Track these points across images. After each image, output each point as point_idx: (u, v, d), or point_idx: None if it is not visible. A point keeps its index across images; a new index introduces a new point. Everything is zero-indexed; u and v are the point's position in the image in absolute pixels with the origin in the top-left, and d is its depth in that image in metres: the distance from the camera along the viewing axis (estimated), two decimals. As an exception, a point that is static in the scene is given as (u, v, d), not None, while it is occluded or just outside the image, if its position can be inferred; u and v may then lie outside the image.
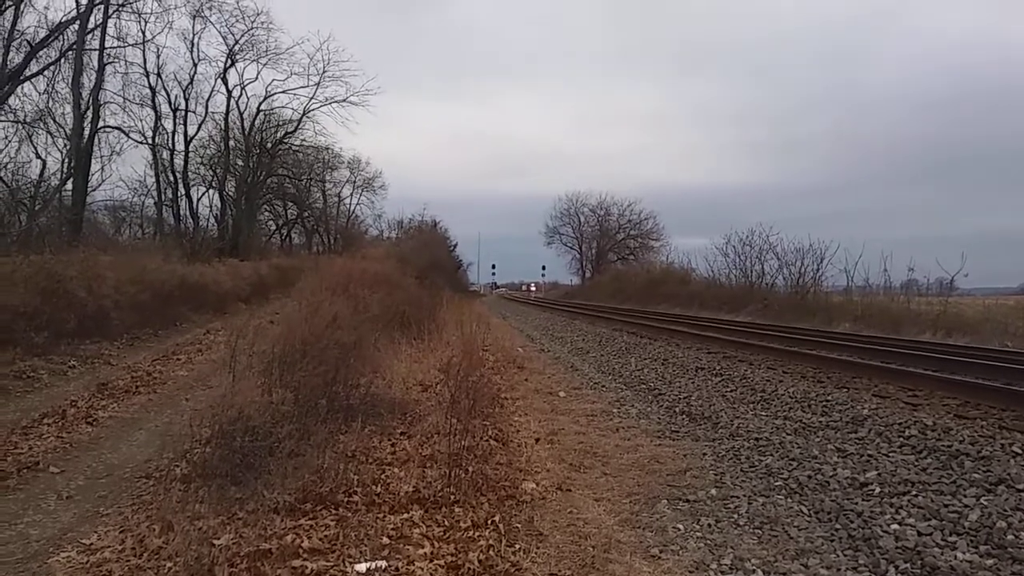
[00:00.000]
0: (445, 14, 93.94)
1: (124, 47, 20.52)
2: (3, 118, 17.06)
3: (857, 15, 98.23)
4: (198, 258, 18.73)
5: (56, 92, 18.43)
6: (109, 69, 19.81)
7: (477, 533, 3.52)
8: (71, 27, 17.85)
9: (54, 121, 18.85)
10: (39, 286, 9.42)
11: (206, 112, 26.26)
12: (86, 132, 18.57)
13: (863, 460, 4.68)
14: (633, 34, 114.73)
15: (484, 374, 7.64)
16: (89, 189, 19.00)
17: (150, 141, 23.47)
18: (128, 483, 4.45)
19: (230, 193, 28.92)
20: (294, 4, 54.02)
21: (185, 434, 4.50)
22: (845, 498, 4.09)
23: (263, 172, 29.96)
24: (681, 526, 3.84)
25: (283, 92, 28.50)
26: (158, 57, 23.32)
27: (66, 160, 18.79)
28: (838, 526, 3.77)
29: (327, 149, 33.34)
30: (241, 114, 28.24)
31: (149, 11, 21.10)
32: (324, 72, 28.00)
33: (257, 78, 27.75)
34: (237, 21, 24.90)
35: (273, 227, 37.07)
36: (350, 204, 42.00)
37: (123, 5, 19.55)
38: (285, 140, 30.37)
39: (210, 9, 23.76)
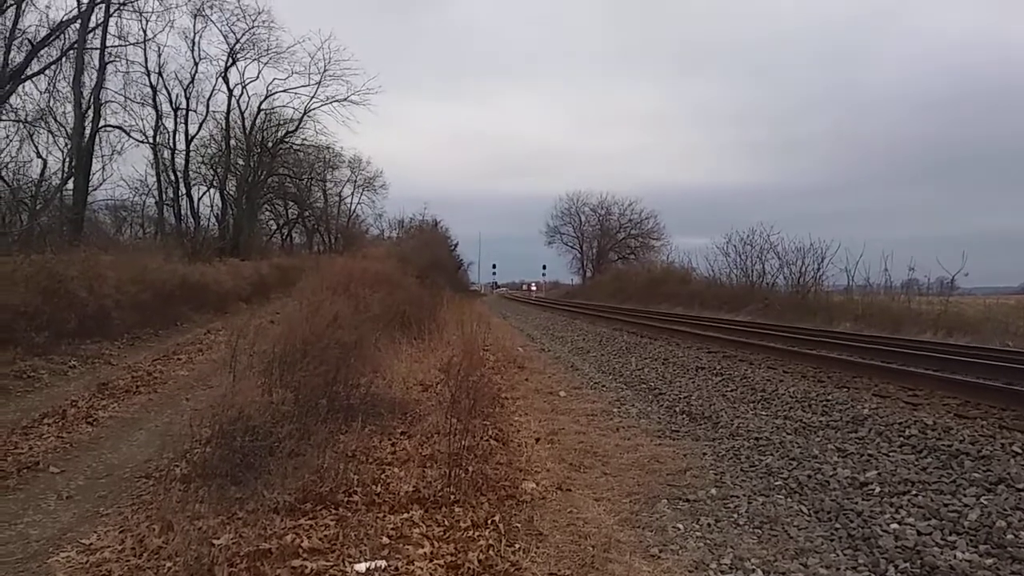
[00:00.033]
0: (445, 14, 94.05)
1: (125, 46, 20.59)
2: (4, 117, 17.08)
3: (857, 15, 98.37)
4: (199, 258, 18.75)
5: (57, 91, 18.49)
6: (110, 68, 19.87)
7: (477, 533, 3.52)
8: (72, 26, 17.88)
9: (55, 120, 18.89)
10: (40, 286, 9.42)
11: (207, 111, 26.32)
12: (87, 131, 18.59)
13: (863, 460, 4.68)
14: (633, 34, 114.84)
15: (484, 374, 7.64)
16: (90, 188, 19.04)
17: (151, 140, 23.52)
18: (128, 483, 4.46)
19: (231, 192, 28.96)
20: (295, 3, 54.02)
21: (185, 434, 4.50)
22: (845, 498, 4.09)
23: (264, 171, 29.99)
24: (681, 526, 3.84)
25: (284, 91, 28.60)
26: (159, 56, 23.41)
27: (67, 159, 18.83)
28: (838, 525, 3.77)
29: (328, 148, 33.42)
30: (242, 113, 28.31)
31: (150, 10, 21.08)
32: (325, 71, 28.08)
33: (258, 77, 27.78)
34: (238, 20, 24.98)
35: (274, 226, 37.12)
36: (351, 203, 42.09)
37: (124, 4, 19.61)
38: (286, 139, 30.41)
39: (211, 8, 23.84)
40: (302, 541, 3.29)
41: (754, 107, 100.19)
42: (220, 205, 28.84)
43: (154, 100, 23.46)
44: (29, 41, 17.22)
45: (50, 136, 18.95)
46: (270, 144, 29.88)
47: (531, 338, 16.03)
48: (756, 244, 23.16)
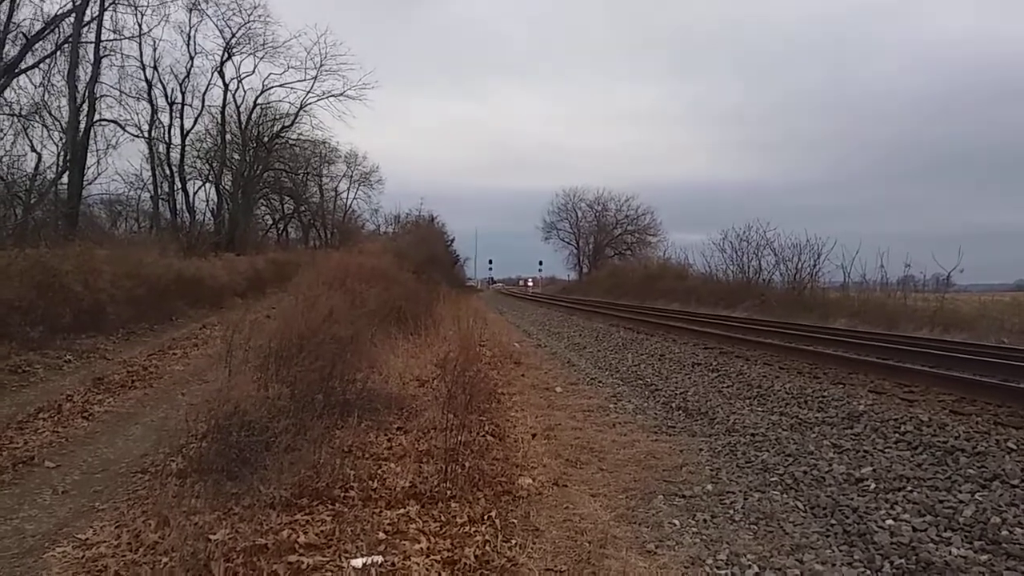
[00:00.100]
0: (443, 9, 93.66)
1: (120, 40, 20.48)
2: (-1, 111, 16.98)
3: (857, 14, 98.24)
4: (194, 252, 18.68)
5: (52, 85, 18.40)
6: (105, 62, 19.78)
7: (473, 528, 3.53)
8: (67, 20, 17.78)
9: (50, 114, 18.80)
10: (35, 280, 9.38)
11: (202, 106, 26.21)
12: (82, 125, 18.51)
13: (859, 456, 4.70)
14: (633, 31, 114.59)
15: (481, 369, 7.65)
16: (85, 183, 18.99)
17: (146, 135, 23.41)
18: (124, 478, 4.45)
19: (226, 187, 28.88)
20: (291, -3, 53.63)
21: (181, 429, 4.49)
22: (841, 494, 4.11)
23: (260, 166, 29.90)
24: (677, 521, 3.85)
25: (280, 86, 28.49)
26: (154, 50, 23.27)
27: (62, 153, 18.75)
28: (833, 521, 3.78)
29: (324, 143, 33.36)
30: (238, 108, 28.20)
31: (145, 4, 20.93)
32: (321, 66, 28.01)
33: (254, 72, 27.79)
34: (234, 14, 24.87)
35: (270, 221, 37.04)
36: (347, 198, 41.95)
37: (119, -2, 19.45)
38: (282, 134, 30.30)
39: (207, 2, 23.76)
40: (298, 536, 3.29)
41: (752, 104, 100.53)
42: (216, 200, 28.80)
43: (149, 94, 23.39)
44: (23, 35, 17.12)
45: (45, 130, 18.89)
46: (266, 139, 29.79)
47: (527, 334, 16.03)
48: (752, 240, 23.24)
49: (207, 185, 28.42)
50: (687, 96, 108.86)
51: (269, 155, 30.28)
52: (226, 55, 26.01)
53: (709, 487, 4.42)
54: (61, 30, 17.90)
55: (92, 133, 19.17)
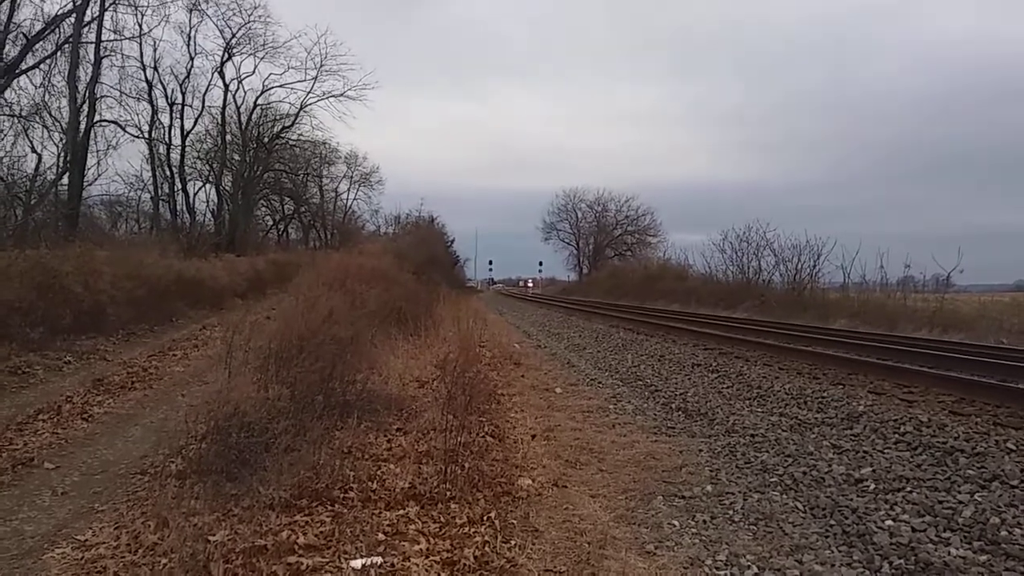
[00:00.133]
0: (444, 9, 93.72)
1: (120, 40, 20.52)
2: (-1, 112, 17.00)
3: (858, 15, 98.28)
4: (194, 253, 18.70)
5: (52, 86, 18.43)
6: (105, 63, 19.81)
7: (473, 529, 3.53)
8: (67, 20, 17.81)
9: (50, 115, 18.83)
10: (35, 281, 9.39)
11: (203, 106, 26.26)
12: (82, 126, 18.53)
13: (858, 456, 4.70)
14: (633, 32, 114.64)
15: (480, 370, 7.65)
16: (85, 183, 19.00)
17: (146, 135, 23.45)
18: (123, 479, 4.45)
19: (227, 188, 28.91)
20: (291, -2, 53.66)
21: (180, 430, 4.49)
22: (840, 494, 4.11)
23: (260, 167, 29.91)
24: (676, 522, 3.85)
25: (280, 86, 28.55)
26: (155, 51, 23.34)
27: (62, 154, 18.77)
28: (833, 522, 3.78)
29: (324, 144, 33.39)
30: (238, 108, 28.24)
31: (146, 4, 20.99)
32: (321, 66, 28.06)
33: (254, 72, 27.86)
34: (234, 15, 24.92)
35: (270, 222, 37.07)
36: (347, 199, 41.99)
37: (119, -2, 19.47)
38: (282, 135, 30.33)
39: (207, 2, 23.80)
40: (298, 537, 3.29)
41: (752, 105, 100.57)
42: (216, 200, 28.86)
43: (149, 95, 23.43)
44: (24, 35, 17.15)
45: (45, 131, 18.93)
46: (266, 139, 29.81)
47: (527, 335, 16.03)
48: (752, 241, 23.27)
49: (207, 186, 28.53)
50: (687, 97, 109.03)
51: (269, 156, 30.30)
52: (226, 55, 26.10)
53: (708, 488, 4.42)
54: (61, 30, 17.94)
55: (92, 134, 19.22)
